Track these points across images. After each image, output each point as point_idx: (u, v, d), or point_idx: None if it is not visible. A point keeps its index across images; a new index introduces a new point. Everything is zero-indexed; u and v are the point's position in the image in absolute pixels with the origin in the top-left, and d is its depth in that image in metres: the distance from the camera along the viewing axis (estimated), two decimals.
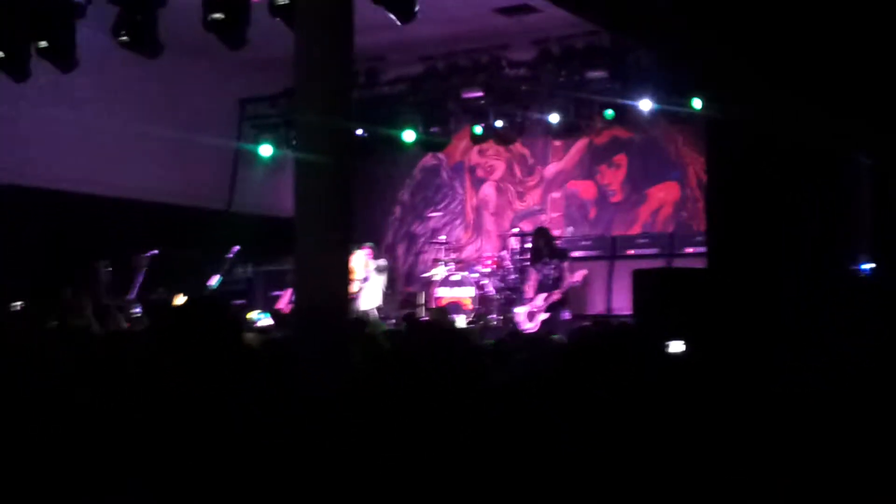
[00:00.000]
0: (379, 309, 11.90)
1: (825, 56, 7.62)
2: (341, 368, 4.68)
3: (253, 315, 10.75)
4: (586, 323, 11.06)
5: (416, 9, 8.03)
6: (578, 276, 11.31)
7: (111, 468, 2.31)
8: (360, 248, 11.61)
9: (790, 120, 9.72)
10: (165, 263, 11.08)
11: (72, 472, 2.64)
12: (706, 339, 6.86)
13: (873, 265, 10.41)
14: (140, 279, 10.78)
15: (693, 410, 3.36)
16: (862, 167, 11.25)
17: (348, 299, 5.34)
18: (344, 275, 5.25)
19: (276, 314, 10.23)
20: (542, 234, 11.58)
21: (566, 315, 11.17)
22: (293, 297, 6.19)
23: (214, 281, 11.54)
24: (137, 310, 10.28)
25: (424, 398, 3.26)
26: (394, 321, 11.07)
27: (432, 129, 13.90)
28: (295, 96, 5.60)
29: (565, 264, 11.47)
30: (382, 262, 12.46)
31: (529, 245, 12.15)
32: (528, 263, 11.92)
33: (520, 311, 11.46)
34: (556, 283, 11.35)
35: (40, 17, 8.88)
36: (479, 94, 13.08)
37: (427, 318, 10.88)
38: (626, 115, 12.69)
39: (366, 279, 11.74)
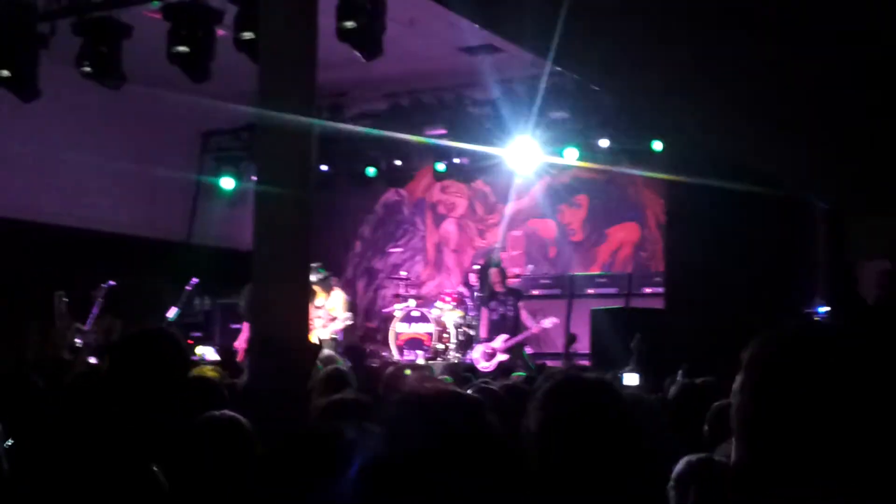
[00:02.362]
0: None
1: (784, 103, 7.76)
2: (299, 402, 4.67)
3: (200, 350, 10.68)
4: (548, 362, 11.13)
5: (382, 46, 8.07)
6: (549, 323, 11.39)
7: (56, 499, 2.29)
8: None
9: (749, 163, 9.88)
10: (123, 295, 10.99)
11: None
12: (662, 377, 6.91)
13: (828, 308, 10.56)
14: (96, 310, 10.68)
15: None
16: (817, 211, 11.44)
17: (306, 332, 5.33)
18: (302, 308, 5.24)
19: (225, 351, 10.14)
20: (497, 272, 11.65)
21: (529, 350, 11.29)
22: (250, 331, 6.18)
23: (172, 313, 11.45)
24: (78, 340, 10.20)
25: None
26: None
27: (395, 166, 13.95)
28: (257, 129, 5.61)
29: (521, 303, 11.54)
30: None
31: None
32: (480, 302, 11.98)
33: (476, 351, 11.49)
34: (515, 322, 11.40)
35: (3, 47, 8.83)
36: (442, 131, 13.16)
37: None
38: (587, 156, 12.81)
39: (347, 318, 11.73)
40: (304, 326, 5.27)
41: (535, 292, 13.03)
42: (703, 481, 2.92)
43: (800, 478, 1.60)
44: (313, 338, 8.36)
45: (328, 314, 10.97)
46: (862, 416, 1.65)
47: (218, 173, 14.33)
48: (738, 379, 1.74)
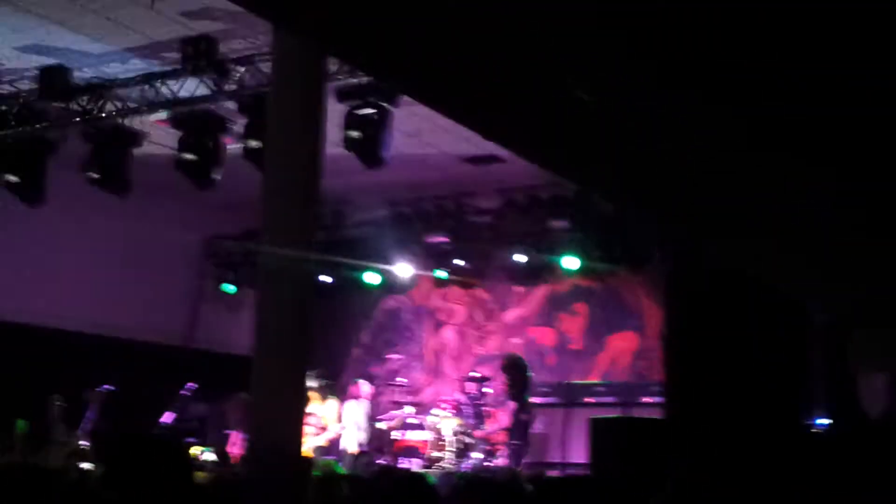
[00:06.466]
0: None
1: (783, 213, 7.83)
2: None
3: (197, 451, 10.55)
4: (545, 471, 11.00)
5: (385, 155, 8.21)
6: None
7: None
8: (331, 394, 11.61)
9: (749, 274, 9.92)
10: (119, 399, 10.92)
11: None
12: (664, 490, 6.83)
13: (829, 421, 10.48)
14: (92, 414, 10.60)
15: None
16: (817, 322, 11.44)
17: (301, 438, 5.30)
18: (298, 414, 5.23)
19: (221, 453, 10.07)
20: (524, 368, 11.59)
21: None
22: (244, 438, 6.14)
23: (168, 418, 11.36)
24: (83, 443, 10.10)
25: None
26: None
27: (395, 272, 14.03)
28: (260, 236, 5.67)
29: (534, 410, 11.48)
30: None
31: (506, 380, 12.09)
32: (508, 398, 11.80)
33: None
34: (526, 428, 11.32)
35: (12, 152, 8.98)
36: (444, 238, 13.26)
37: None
38: (587, 265, 12.89)
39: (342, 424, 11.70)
40: (299, 430, 5.25)
41: (535, 400, 12.93)
42: None
43: None
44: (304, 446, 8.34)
45: (319, 422, 10.93)
46: None
47: (219, 279, 14.41)
48: None
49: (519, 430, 11.23)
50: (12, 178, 8.93)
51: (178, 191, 9.78)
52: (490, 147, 10.29)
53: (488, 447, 11.64)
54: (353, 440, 11.99)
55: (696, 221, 8.63)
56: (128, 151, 9.07)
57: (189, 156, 8.47)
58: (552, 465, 11.76)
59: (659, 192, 7.68)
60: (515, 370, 11.53)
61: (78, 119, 9.29)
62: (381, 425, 12.55)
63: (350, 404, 12.29)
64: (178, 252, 13.92)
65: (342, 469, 9.53)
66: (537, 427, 11.62)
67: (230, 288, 14.34)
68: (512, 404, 11.39)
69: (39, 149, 9.04)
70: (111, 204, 10.70)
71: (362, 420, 12.26)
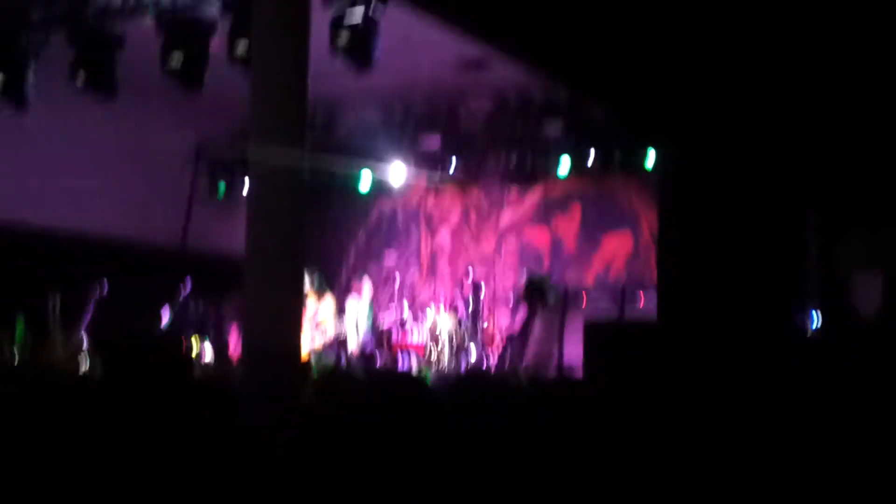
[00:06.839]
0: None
1: (778, 116, 7.79)
2: (289, 409, 4.67)
3: (195, 347, 10.63)
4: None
5: (374, 58, 8.11)
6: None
7: None
8: (328, 294, 11.65)
9: (742, 175, 9.89)
10: (117, 298, 10.99)
11: None
12: (656, 392, 6.91)
13: (820, 321, 10.58)
14: (90, 313, 10.67)
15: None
16: (809, 224, 11.46)
17: (299, 338, 5.34)
18: (296, 315, 5.27)
19: (220, 350, 10.19)
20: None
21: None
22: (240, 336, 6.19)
23: (165, 317, 11.45)
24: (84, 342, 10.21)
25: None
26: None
27: (389, 176, 13.99)
28: (250, 137, 5.64)
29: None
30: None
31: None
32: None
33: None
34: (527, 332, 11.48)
35: None
36: (437, 141, 13.19)
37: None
38: (581, 167, 12.86)
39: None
40: (296, 329, 5.29)
41: None
42: None
43: None
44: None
45: (317, 322, 11.00)
46: None
47: (212, 180, 14.39)
48: None
49: (521, 334, 11.38)
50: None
51: (168, 93, 9.69)
52: (481, 51, 10.17)
53: (485, 346, 11.79)
54: (353, 340, 12.09)
55: (690, 121, 8.59)
56: (113, 55, 8.96)
57: (175, 59, 8.36)
58: (547, 367, 11.90)
59: (653, 91, 7.63)
60: (538, 295, 11.62)
61: (61, 23, 9.16)
62: (379, 325, 12.68)
63: (351, 303, 12.32)
64: (171, 154, 13.84)
65: (340, 369, 9.64)
66: (534, 329, 11.74)
67: (222, 189, 14.34)
68: (522, 313, 11.52)
69: (22, 52, 8.93)
70: (102, 108, 10.62)
71: (363, 319, 12.32)
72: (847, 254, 11.22)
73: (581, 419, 3.66)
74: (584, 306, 12.72)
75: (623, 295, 12.78)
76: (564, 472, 3.25)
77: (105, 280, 10.91)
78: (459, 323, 12.68)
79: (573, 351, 11.83)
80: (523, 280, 12.18)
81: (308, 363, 9.40)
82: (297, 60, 5.12)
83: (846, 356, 7.84)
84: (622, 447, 3.55)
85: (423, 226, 15.11)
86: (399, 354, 12.57)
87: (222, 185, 14.35)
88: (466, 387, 3.89)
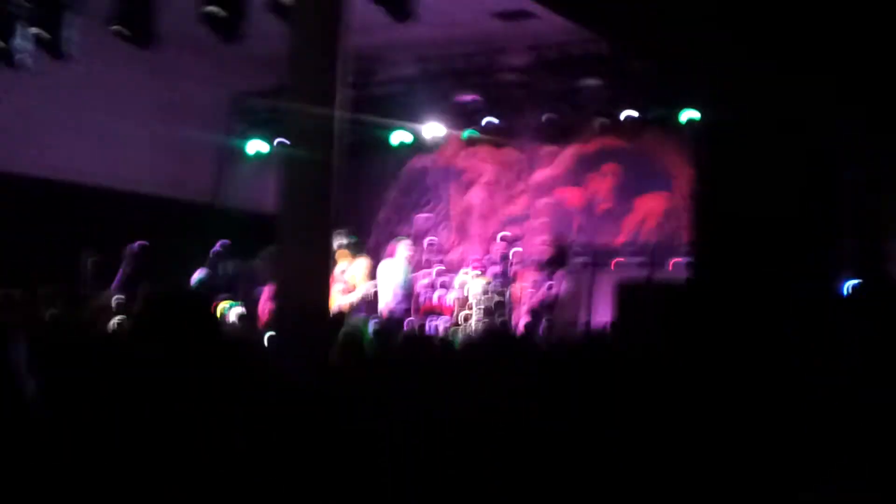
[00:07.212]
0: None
1: (818, 68, 7.62)
2: (319, 367, 4.67)
3: (225, 306, 10.60)
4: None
5: (414, 9, 8.02)
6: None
7: (88, 466, 2.30)
8: (360, 253, 11.57)
9: (781, 134, 9.74)
10: (150, 256, 11.02)
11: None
12: (687, 353, 6.86)
13: (857, 281, 10.45)
14: (124, 271, 10.71)
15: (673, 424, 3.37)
16: (847, 183, 11.29)
17: (328, 297, 5.33)
18: (325, 272, 5.25)
19: (251, 310, 10.16)
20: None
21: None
22: (272, 294, 6.18)
23: (198, 275, 11.47)
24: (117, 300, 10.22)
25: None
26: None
27: (424, 131, 13.90)
28: (286, 92, 5.58)
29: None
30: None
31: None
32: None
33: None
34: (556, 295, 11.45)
35: (36, 6, 8.88)
36: (473, 97, 13.08)
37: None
38: (618, 124, 12.72)
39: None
40: (326, 288, 5.28)
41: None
42: None
43: None
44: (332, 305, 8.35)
45: (348, 281, 10.91)
46: None
47: (246, 136, 14.37)
48: None
49: (548, 299, 11.38)
50: (34, 30, 8.85)
51: (205, 45, 9.65)
52: (522, 2, 10.03)
53: (513, 310, 11.76)
54: (385, 300, 12.01)
55: (732, 80, 8.44)
56: (151, 3, 8.93)
57: (214, 8, 8.31)
58: (577, 326, 11.86)
59: (697, 47, 7.49)
60: (560, 259, 11.58)
61: None
62: (411, 287, 12.60)
63: (386, 263, 12.19)
64: (206, 108, 13.83)
65: (369, 330, 9.59)
66: (565, 287, 11.68)
67: (257, 145, 14.30)
68: (550, 279, 11.50)
69: (60, 2, 8.93)
70: (138, 59, 10.60)
71: (400, 280, 12.15)
72: (887, 214, 11.06)
73: (610, 379, 3.62)
74: (612, 268, 12.66)
75: (653, 256, 12.69)
76: (589, 431, 3.21)
77: (137, 239, 10.95)
78: (489, 285, 12.63)
79: (602, 313, 11.79)
80: (551, 246, 12.11)
81: (338, 320, 9.36)
82: (337, 12, 5.05)
83: (881, 319, 7.72)
84: (648, 412, 3.51)
85: (455, 184, 15.03)
86: (427, 317, 12.54)
87: (256, 140, 14.32)
88: (493, 347, 3.86)
